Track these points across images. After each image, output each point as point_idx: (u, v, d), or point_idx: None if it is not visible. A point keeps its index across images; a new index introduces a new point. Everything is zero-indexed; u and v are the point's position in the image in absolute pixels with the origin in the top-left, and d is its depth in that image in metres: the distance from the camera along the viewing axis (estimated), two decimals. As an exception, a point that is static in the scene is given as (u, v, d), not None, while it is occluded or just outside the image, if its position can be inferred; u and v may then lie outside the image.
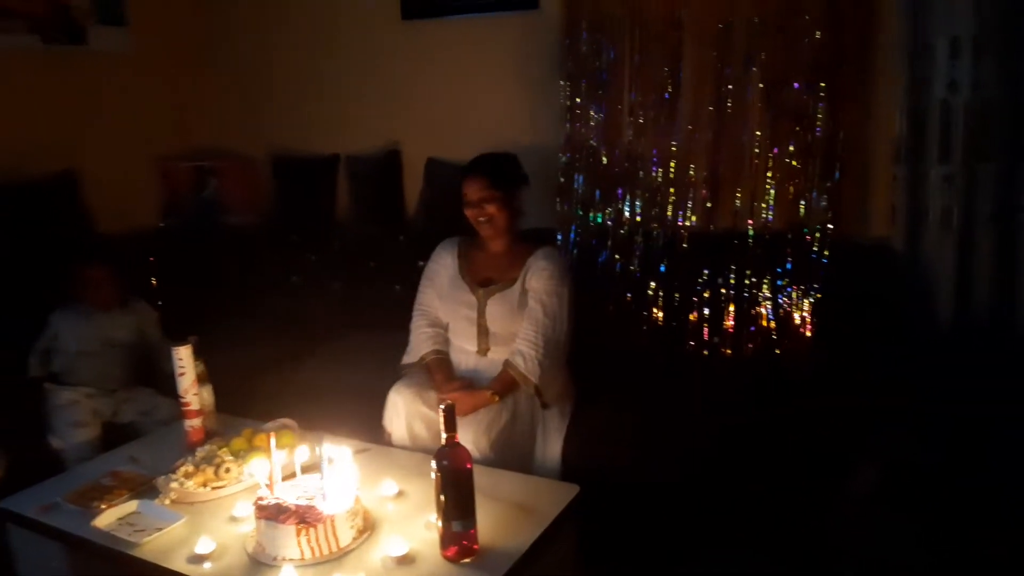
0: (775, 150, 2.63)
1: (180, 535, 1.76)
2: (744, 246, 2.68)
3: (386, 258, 3.43)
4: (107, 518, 1.82)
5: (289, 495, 1.72)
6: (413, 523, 1.76)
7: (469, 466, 1.58)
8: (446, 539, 1.60)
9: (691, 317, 2.74)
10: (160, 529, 1.77)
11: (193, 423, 2.20)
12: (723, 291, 2.70)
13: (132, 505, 1.88)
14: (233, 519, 1.82)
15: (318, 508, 1.66)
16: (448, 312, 2.46)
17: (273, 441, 1.75)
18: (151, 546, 1.72)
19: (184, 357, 2.17)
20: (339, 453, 1.74)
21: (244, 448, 2.09)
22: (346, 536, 1.67)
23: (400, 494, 1.89)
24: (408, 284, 3.23)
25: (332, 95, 3.67)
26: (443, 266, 2.51)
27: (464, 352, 2.44)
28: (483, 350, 2.40)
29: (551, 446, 2.31)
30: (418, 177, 3.45)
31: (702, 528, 2.13)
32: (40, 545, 1.91)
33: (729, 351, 2.69)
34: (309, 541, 1.62)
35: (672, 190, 2.78)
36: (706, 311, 2.72)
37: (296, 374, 2.95)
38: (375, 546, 1.68)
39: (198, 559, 1.67)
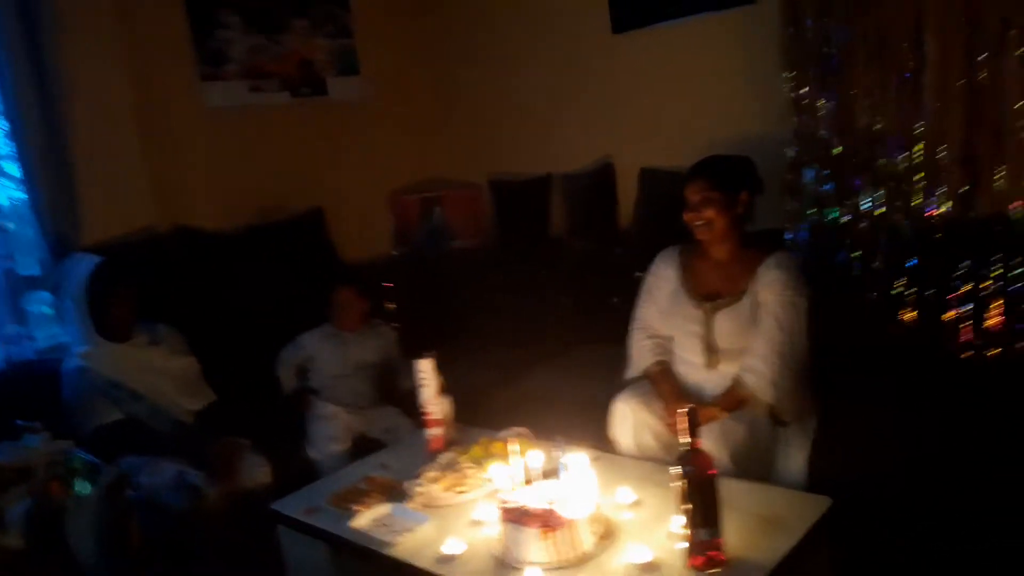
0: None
1: (428, 536, 1.84)
2: (1010, 232, 2.35)
3: (604, 271, 3.42)
4: (364, 519, 1.95)
5: (530, 499, 1.73)
6: (653, 531, 1.71)
7: (714, 472, 1.50)
8: (693, 548, 1.53)
9: (948, 316, 2.44)
10: (410, 530, 1.86)
11: (435, 432, 2.30)
12: (986, 285, 2.39)
13: (386, 508, 1.99)
14: (475, 522, 1.87)
15: (559, 512, 1.66)
16: (671, 327, 2.36)
17: (517, 447, 1.77)
18: (403, 546, 1.81)
19: (426, 370, 2.28)
20: (576, 459, 1.73)
21: (482, 455, 2.15)
22: (588, 541, 1.65)
23: (637, 503, 1.85)
24: (627, 296, 3.22)
25: (544, 116, 3.76)
26: (663, 279, 2.40)
27: (690, 365, 2.32)
28: (712, 364, 2.27)
29: (794, 461, 2.15)
30: (632, 189, 3.41)
31: (964, 544, 1.87)
32: (306, 544, 2.07)
33: (996, 351, 2.36)
34: (555, 544, 1.62)
35: (920, 175, 2.51)
36: (967, 308, 2.41)
37: (523, 387, 3.01)
38: (617, 553, 1.65)
39: (446, 559, 1.73)
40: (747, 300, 2.20)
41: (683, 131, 3.22)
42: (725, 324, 2.23)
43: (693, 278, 2.33)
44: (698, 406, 2.13)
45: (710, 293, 2.28)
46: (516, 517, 1.67)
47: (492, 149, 4.01)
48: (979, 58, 2.38)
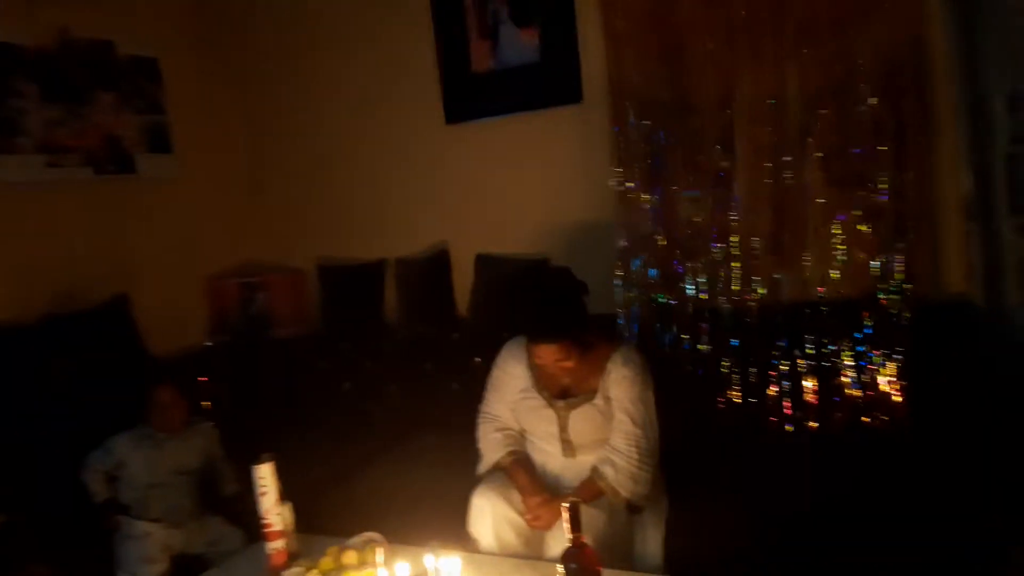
0: (841, 216, 2.59)
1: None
2: (818, 314, 2.61)
3: (441, 357, 3.38)
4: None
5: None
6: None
7: (599, 568, 1.47)
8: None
9: (770, 392, 2.65)
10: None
11: (276, 545, 2.09)
12: (801, 362, 2.62)
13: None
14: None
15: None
16: (524, 422, 2.33)
17: (380, 556, 1.64)
18: None
19: (265, 475, 2.08)
20: (447, 565, 1.64)
21: (333, 568, 1.98)
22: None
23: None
24: (466, 380, 3.20)
25: (375, 201, 3.70)
26: (512, 376, 2.33)
27: (547, 454, 2.30)
28: (569, 453, 2.27)
29: (651, 543, 2.18)
30: (468, 274, 3.43)
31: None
32: None
33: (815, 424, 2.58)
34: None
35: (736, 264, 2.74)
36: (785, 385, 2.63)
37: (365, 483, 2.85)
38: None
39: None
40: (599, 398, 2.21)
41: (517, 218, 3.31)
42: (579, 423, 2.23)
43: (543, 376, 2.28)
44: (557, 498, 2.15)
45: (561, 391, 2.26)
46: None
47: (319, 233, 3.87)
48: (783, 159, 2.66)
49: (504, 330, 2.50)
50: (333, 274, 3.79)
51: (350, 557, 2.00)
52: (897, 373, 2.49)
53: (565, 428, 2.23)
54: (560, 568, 1.46)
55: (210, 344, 3.78)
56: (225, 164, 3.94)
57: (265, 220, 4.00)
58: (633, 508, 2.17)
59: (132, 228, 3.50)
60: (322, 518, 2.46)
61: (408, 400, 3.34)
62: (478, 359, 3.18)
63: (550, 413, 2.25)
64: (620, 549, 2.12)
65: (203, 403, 3.29)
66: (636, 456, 2.14)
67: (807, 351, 2.61)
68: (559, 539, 2.01)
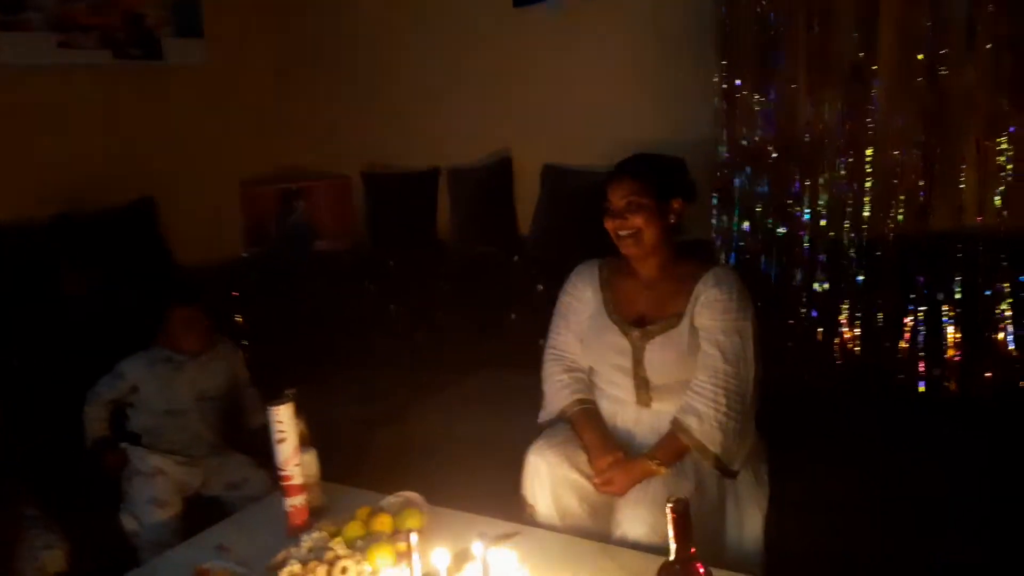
0: (1011, 128, 2.04)
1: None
2: (972, 249, 2.10)
3: (500, 282, 2.96)
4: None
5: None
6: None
7: None
8: None
9: (901, 344, 2.16)
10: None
11: (295, 501, 1.73)
12: (945, 308, 2.12)
13: (226, 621, 1.42)
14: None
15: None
16: (593, 358, 1.94)
17: (414, 538, 1.25)
18: None
19: (284, 419, 1.71)
20: (500, 558, 1.24)
21: (361, 535, 1.62)
22: None
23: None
24: (527, 312, 2.80)
25: (431, 100, 3.29)
26: (581, 300, 1.96)
27: (618, 403, 1.89)
28: (644, 401, 1.86)
29: (749, 522, 1.76)
30: (534, 188, 2.97)
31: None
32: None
33: (955, 386, 2.10)
34: None
35: (869, 184, 2.22)
36: (921, 335, 2.14)
37: (407, 428, 2.48)
38: None
39: None
40: (684, 325, 1.80)
41: (593, 124, 2.86)
42: (658, 355, 1.81)
43: (618, 300, 1.90)
44: (629, 464, 1.75)
45: (638, 317, 1.86)
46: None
47: (366, 135, 3.47)
48: (939, 51, 2.10)
49: (573, 253, 2.09)
50: (380, 183, 3.39)
51: (383, 523, 1.64)
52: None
53: (640, 362, 1.82)
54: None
55: (245, 256, 3.45)
56: (262, 52, 3.56)
57: (308, 119, 3.61)
58: (726, 471, 1.75)
59: (156, 121, 3.18)
60: (359, 465, 2.13)
61: (460, 331, 2.95)
62: (541, 286, 2.78)
63: (623, 343, 1.84)
64: (708, 531, 1.70)
65: (235, 320, 2.99)
66: (724, 400, 1.72)
67: (954, 295, 2.10)
68: (635, 515, 1.63)
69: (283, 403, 1.72)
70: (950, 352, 2.11)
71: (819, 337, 2.27)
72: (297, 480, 1.73)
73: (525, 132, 3.05)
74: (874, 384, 2.16)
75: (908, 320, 2.15)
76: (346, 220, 3.51)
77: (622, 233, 1.82)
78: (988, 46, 2.07)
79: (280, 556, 1.58)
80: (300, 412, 1.77)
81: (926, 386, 2.13)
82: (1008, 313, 2.06)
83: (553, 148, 2.94)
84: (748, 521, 1.76)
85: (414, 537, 1.26)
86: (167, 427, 2.26)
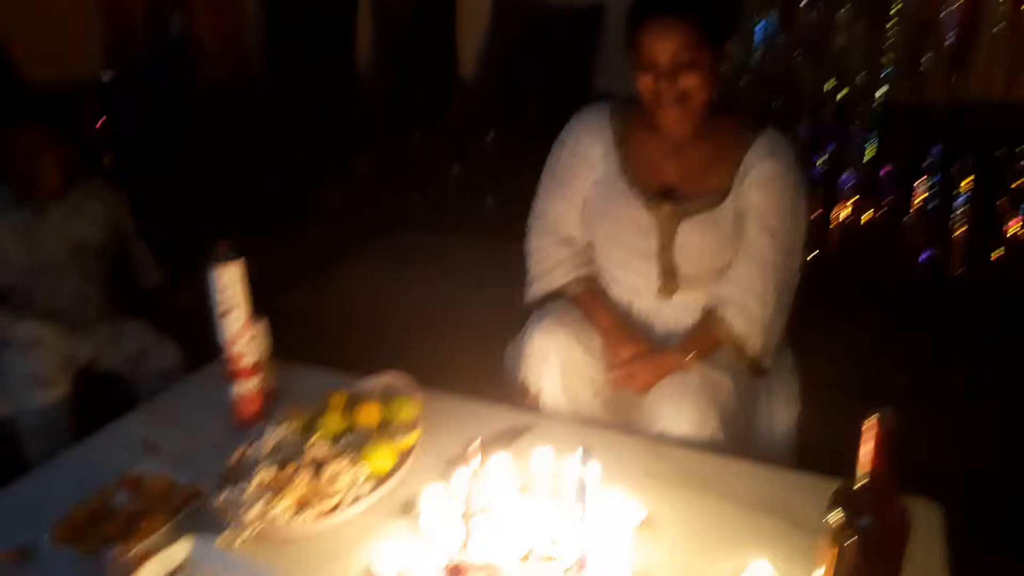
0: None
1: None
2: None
3: (434, 130, 2.55)
4: (143, 578, 1.01)
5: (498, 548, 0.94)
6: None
7: (907, 530, 0.82)
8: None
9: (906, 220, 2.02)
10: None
11: (247, 387, 1.35)
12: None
13: (181, 549, 1.06)
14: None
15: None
16: (603, 237, 1.59)
17: (476, 460, 0.94)
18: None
19: (230, 284, 1.30)
20: (591, 470, 0.94)
21: (341, 428, 1.28)
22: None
23: (649, 523, 1.12)
24: (469, 163, 2.42)
25: None
26: (588, 162, 1.56)
27: (633, 291, 1.58)
28: (667, 291, 1.56)
29: (778, 415, 1.57)
30: (479, 19, 2.51)
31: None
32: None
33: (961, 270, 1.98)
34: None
35: (893, 36, 1.98)
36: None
37: (326, 293, 2.12)
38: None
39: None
40: (728, 205, 1.49)
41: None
42: (695, 239, 1.50)
43: (637, 163, 1.53)
44: (657, 356, 1.48)
45: (666, 188, 1.51)
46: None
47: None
48: None
49: (528, 96, 1.71)
50: (282, -3, 2.79)
51: (370, 413, 1.30)
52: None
53: (669, 246, 1.50)
54: (832, 517, 0.81)
55: (105, 81, 2.78)
56: None
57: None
58: (758, 370, 1.53)
59: None
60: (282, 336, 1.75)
61: (386, 185, 2.53)
62: (493, 134, 2.40)
63: (647, 220, 1.51)
64: (739, 429, 1.49)
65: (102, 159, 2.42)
66: (773, 298, 1.47)
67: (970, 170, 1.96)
68: (678, 410, 1.38)
69: (227, 262, 1.31)
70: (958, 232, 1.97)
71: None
72: (250, 359, 1.34)
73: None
74: (878, 262, 2.01)
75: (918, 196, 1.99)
76: (235, 40, 2.91)
77: (668, 97, 1.40)
78: None
79: (236, 457, 1.22)
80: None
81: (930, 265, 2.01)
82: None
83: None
84: (777, 414, 1.57)
85: (475, 450, 0.94)
86: (38, 287, 1.79)
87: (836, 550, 0.82)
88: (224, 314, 1.31)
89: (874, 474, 0.79)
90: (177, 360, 1.77)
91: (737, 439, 1.44)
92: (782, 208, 1.48)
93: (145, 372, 1.75)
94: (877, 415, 0.78)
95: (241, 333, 1.33)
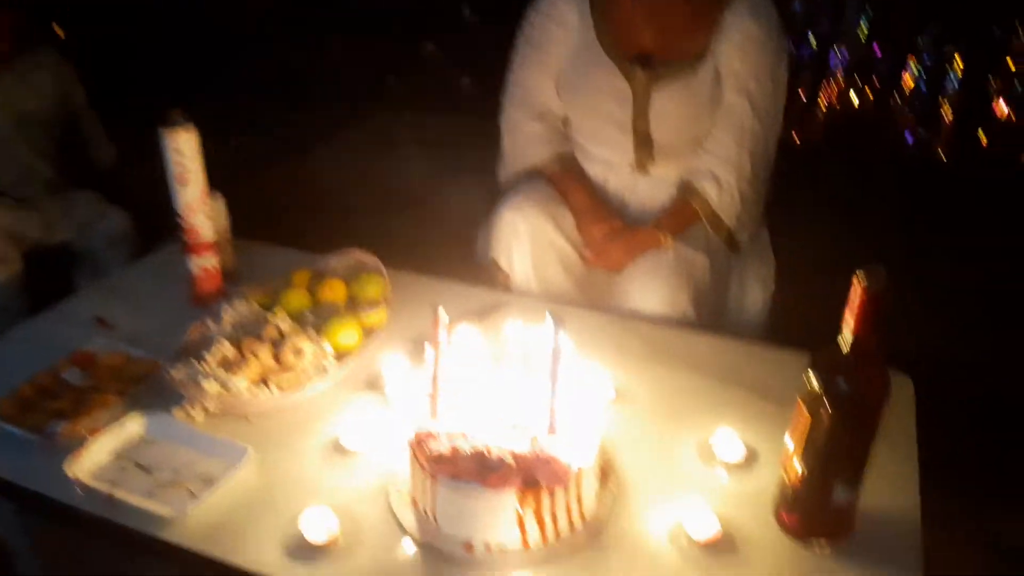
0: None
1: (248, 491, 0.94)
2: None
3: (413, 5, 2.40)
4: (94, 455, 0.96)
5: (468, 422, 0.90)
6: (677, 466, 0.99)
7: (885, 401, 0.78)
8: (809, 511, 0.85)
9: (891, 101, 1.93)
10: (209, 482, 0.93)
11: (204, 262, 1.28)
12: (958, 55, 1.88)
13: (135, 424, 1.02)
14: (340, 448, 1.00)
15: (549, 452, 0.86)
16: (577, 108, 1.52)
17: (443, 315, 0.89)
18: (194, 526, 0.89)
19: (186, 151, 1.21)
20: (564, 340, 0.89)
21: (307, 306, 1.22)
22: (591, 499, 0.89)
23: (619, 394, 1.10)
24: (446, 42, 2.30)
25: None
26: (563, 26, 1.48)
27: (608, 166, 1.53)
28: (642, 164, 1.50)
29: (752, 294, 1.55)
30: None
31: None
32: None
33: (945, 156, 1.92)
34: (541, 519, 0.83)
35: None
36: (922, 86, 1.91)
37: (304, 168, 2.01)
38: (640, 519, 0.91)
39: (304, 552, 0.85)
40: (706, 69, 1.41)
41: None
42: (669, 106, 1.43)
43: (612, 28, 1.45)
44: (632, 233, 1.45)
45: (642, 54, 1.43)
46: (467, 469, 0.84)
47: None
48: None
49: None
50: None
51: (335, 290, 1.25)
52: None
53: (644, 114, 1.44)
54: (813, 380, 0.77)
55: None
56: None
57: None
58: (733, 245, 1.49)
59: None
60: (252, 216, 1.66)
61: (357, 63, 2.39)
62: (469, 13, 2.27)
63: (622, 87, 1.44)
64: (712, 305, 1.46)
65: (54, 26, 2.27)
66: (749, 166, 1.43)
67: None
68: (650, 286, 1.36)
69: (180, 127, 1.21)
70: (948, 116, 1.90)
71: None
72: (206, 234, 1.27)
73: None
74: (865, 142, 1.94)
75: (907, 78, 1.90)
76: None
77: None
78: None
79: (193, 333, 1.16)
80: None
81: (916, 143, 1.94)
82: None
83: None
84: (749, 292, 1.55)
85: (442, 316, 0.88)
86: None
87: (809, 417, 0.79)
88: (180, 184, 1.22)
89: (857, 337, 0.74)
90: (127, 225, 1.70)
91: (710, 317, 1.43)
92: (761, 72, 1.41)
93: (95, 236, 1.68)
94: (865, 273, 0.73)
95: (198, 205, 1.24)
